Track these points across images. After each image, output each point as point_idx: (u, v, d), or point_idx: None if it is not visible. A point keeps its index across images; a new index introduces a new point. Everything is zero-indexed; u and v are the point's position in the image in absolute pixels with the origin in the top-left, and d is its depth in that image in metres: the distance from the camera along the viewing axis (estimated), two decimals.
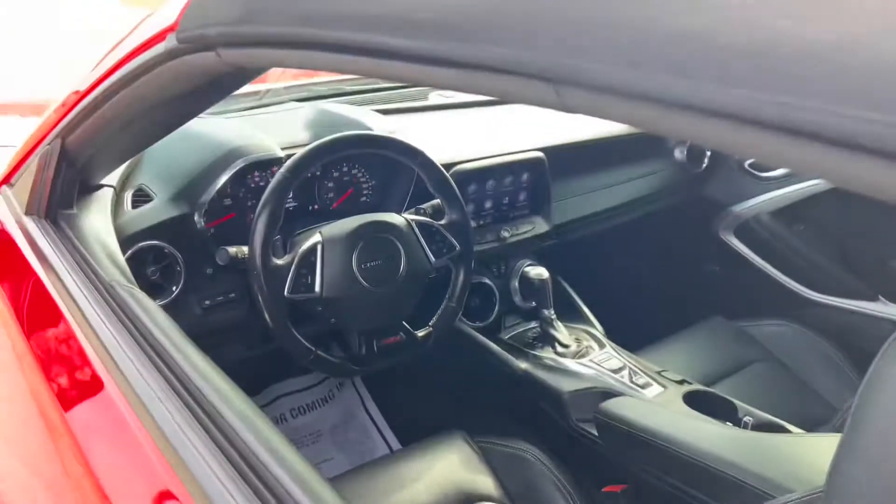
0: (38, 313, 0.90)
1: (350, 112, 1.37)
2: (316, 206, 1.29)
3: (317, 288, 1.08)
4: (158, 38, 0.68)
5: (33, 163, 0.98)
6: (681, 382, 1.27)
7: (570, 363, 1.32)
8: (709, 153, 1.80)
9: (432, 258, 1.17)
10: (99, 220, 0.97)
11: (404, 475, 1.08)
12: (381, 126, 1.31)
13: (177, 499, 0.57)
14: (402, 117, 1.49)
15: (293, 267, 1.06)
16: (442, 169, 1.20)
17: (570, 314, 1.51)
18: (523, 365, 1.34)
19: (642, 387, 1.25)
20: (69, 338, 0.80)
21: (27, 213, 0.98)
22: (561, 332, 1.38)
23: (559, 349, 1.36)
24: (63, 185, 0.94)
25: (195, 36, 0.61)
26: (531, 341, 1.42)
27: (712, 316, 1.64)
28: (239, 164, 1.12)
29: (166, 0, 0.70)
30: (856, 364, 1.51)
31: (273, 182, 1.05)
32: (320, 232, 1.10)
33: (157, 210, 1.10)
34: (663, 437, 1.05)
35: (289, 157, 1.10)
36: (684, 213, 1.82)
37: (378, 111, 1.43)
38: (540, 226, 1.50)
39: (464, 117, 1.63)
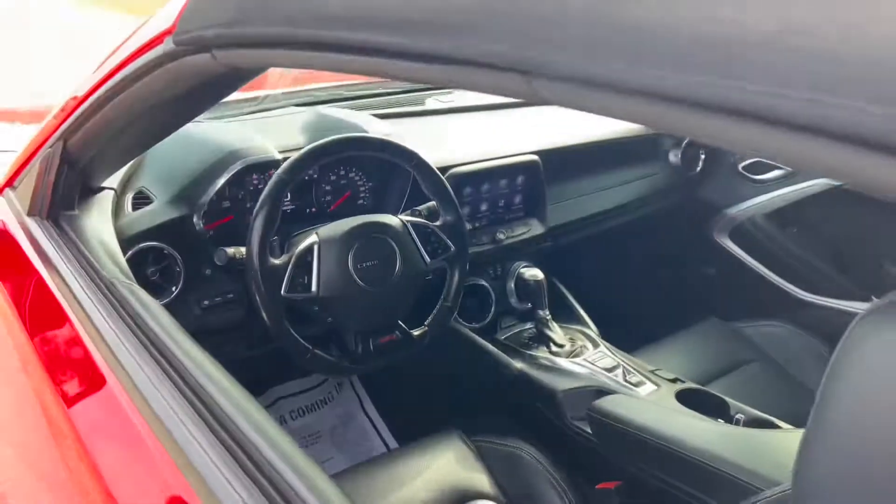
0: (40, 311, 0.92)
1: (347, 116, 1.39)
2: (313, 209, 1.31)
3: (313, 288, 1.09)
4: (157, 41, 0.70)
5: (35, 166, 1.00)
6: (674, 381, 1.28)
7: (564, 362, 1.34)
8: (703, 156, 1.82)
9: (427, 259, 1.19)
10: (100, 220, 0.99)
11: (402, 473, 1.09)
12: (378, 129, 1.33)
13: (178, 491, 0.58)
14: (400, 121, 1.51)
15: (290, 267, 1.08)
16: (437, 171, 1.22)
17: (565, 315, 1.52)
18: (519, 365, 1.36)
19: (635, 385, 1.26)
20: (71, 334, 0.82)
21: (29, 214, 1.00)
22: (556, 332, 1.40)
23: (554, 349, 1.37)
24: (65, 186, 0.96)
25: (192, 38, 0.63)
26: (527, 341, 1.44)
27: (707, 317, 1.65)
28: (237, 167, 1.15)
29: (162, 5, 0.72)
30: None
31: (270, 183, 1.07)
32: (317, 233, 1.11)
33: (157, 212, 1.12)
34: (656, 434, 1.07)
35: (286, 159, 1.12)
36: (679, 216, 1.83)
37: (376, 115, 1.45)
38: (535, 228, 1.52)
39: (460, 121, 1.65)
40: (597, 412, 1.16)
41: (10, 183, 1.11)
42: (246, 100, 1.53)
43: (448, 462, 1.12)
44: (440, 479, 1.09)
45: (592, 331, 1.48)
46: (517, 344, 1.44)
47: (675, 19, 0.29)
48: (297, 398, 1.74)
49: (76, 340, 0.80)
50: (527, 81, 0.36)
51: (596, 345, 1.41)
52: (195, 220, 1.13)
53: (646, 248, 1.90)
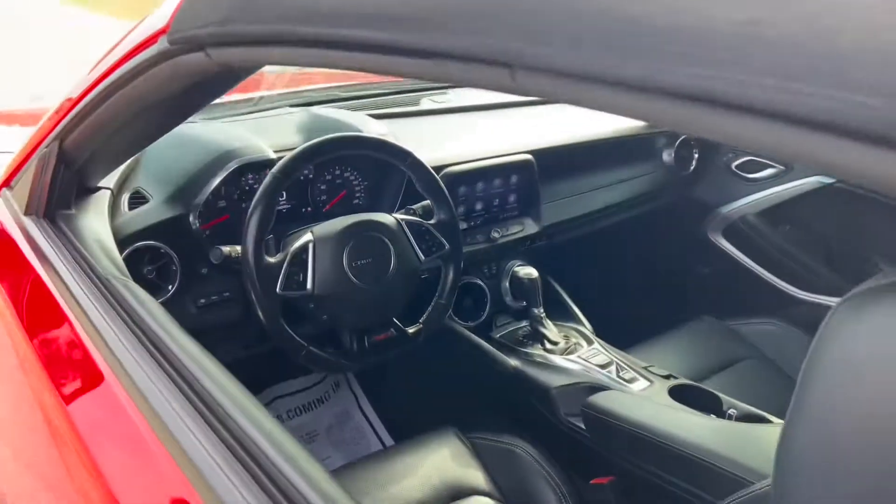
0: (37, 308, 0.92)
1: (343, 116, 1.40)
2: (309, 209, 1.32)
3: (309, 285, 1.10)
4: (151, 40, 0.71)
5: (32, 165, 1.01)
6: (666, 377, 1.29)
7: (558, 359, 1.35)
8: (697, 156, 1.83)
9: (422, 256, 1.20)
10: (96, 219, 1.00)
11: (397, 470, 1.10)
12: (374, 129, 1.34)
13: (176, 486, 0.58)
14: (395, 121, 1.52)
15: (285, 265, 1.09)
16: (431, 170, 1.23)
17: (559, 313, 1.53)
18: (513, 362, 1.37)
19: (629, 381, 1.27)
20: (68, 331, 0.82)
21: (26, 213, 1.01)
22: (550, 329, 1.41)
23: (548, 346, 1.38)
24: (61, 185, 0.97)
25: (186, 37, 0.64)
26: (521, 339, 1.45)
27: (701, 315, 1.66)
28: (232, 166, 1.15)
29: (161, 2, 0.73)
30: None
31: (265, 182, 1.08)
32: (312, 231, 1.12)
33: (153, 211, 1.12)
34: (649, 430, 1.08)
35: (281, 159, 1.13)
36: (673, 215, 1.84)
37: (371, 116, 1.46)
38: (529, 227, 1.53)
39: (454, 121, 1.66)
40: (590, 408, 1.17)
41: (6, 183, 1.12)
42: (241, 101, 1.54)
43: (444, 459, 1.13)
44: (436, 475, 1.10)
45: (587, 328, 1.49)
46: (512, 342, 1.45)
47: (651, 10, 0.30)
48: (293, 397, 1.74)
49: (73, 337, 0.81)
50: (511, 74, 0.37)
51: (590, 342, 1.42)
52: (191, 219, 1.14)
53: (640, 246, 1.91)
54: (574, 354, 1.36)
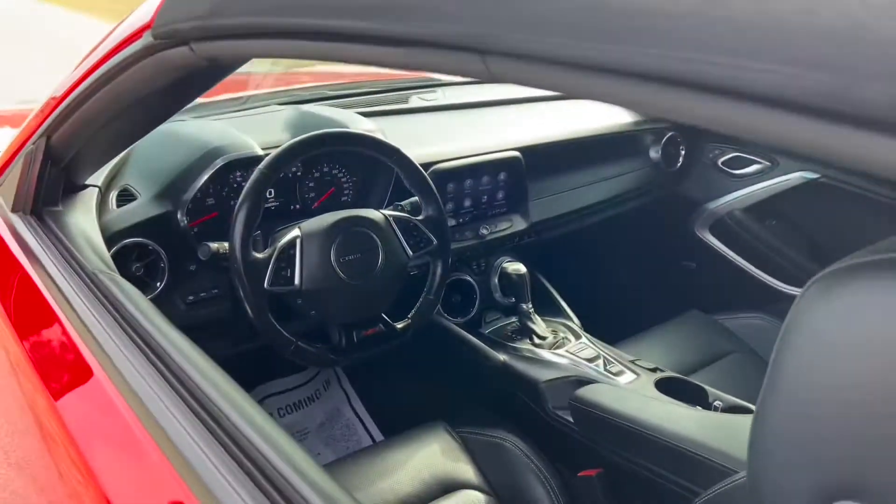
0: (25, 305, 0.93)
1: (331, 113, 1.40)
2: (297, 206, 1.32)
3: (296, 281, 1.11)
4: (135, 36, 0.71)
5: (18, 162, 1.01)
6: (653, 370, 1.30)
7: (546, 354, 1.36)
8: (683, 152, 1.85)
9: (410, 252, 1.21)
10: (83, 215, 1.00)
11: (387, 465, 1.11)
12: (362, 127, 1.34)
13: (166, 479, 0.59)
14: (383, 119, 1.53)
15: (273, 260, 1.09)
16: (418, 166, 1.24)
17: (548, 308, 1.54)
18: (502, 357, 1.38)
19: (616, 375, 1.29)
20: (56, 327, 0.83)
21: (13, 210, 1.01)
22: (538, 324, 1.42)
23: (536, 341, 1.39)
24: (48, 182, 0.97)
25: (169, 31, 0.65)
26: (510, 335, 1.46)
27: (689, 310, 1.68)
28: (219, 163, 1.16)
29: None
30: None
31: (251, 178, 1.08)
32: (299, 227, 1.13)
33: (141, 208, 1.13)
34: (636, 422, 1.09)
35: (268, 155, 1.14)
36: (660, 211, 1.86)
37: (359, 113, 1.47)
38: (518, 223, 1.54)
39: (443, 119, 1.66)
40: (578, 401, 1.18)
41: None
42: (230, 100, 1.54)
43: (433, 453, 1.14)
44: (426, 470, 1.10)
45: (575, 323, 1.50)
46: (501, 337, 1.46)
47: None
48: (284, 395, 1.75)
49: (62, 333, 0.81)
50: (482, 60, 0.38)
51: (578, 336, 1.43)
52: (179, 216, 1.14)
53: (627, 242, 1.92)
54: (562, 349, 1.37)
